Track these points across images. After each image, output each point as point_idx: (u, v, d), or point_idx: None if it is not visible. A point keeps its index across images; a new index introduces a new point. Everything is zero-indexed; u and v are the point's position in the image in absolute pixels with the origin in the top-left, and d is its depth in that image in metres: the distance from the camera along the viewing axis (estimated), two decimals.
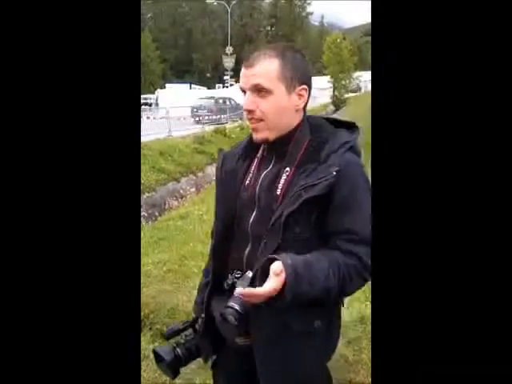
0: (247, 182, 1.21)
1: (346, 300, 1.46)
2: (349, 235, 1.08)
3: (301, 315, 1.12)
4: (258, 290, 0.99)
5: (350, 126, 1.21)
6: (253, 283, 1.07)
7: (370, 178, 1.07)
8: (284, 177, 1.13)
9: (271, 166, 1.18)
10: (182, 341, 1.27)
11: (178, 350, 1.23)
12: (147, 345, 2.52)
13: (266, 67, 1.11)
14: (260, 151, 1.23)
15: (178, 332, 1.27)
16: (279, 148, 1.16)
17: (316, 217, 1.09)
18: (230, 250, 1.22)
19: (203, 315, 1.26)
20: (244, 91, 1.15)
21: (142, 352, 2.42)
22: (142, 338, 2.56)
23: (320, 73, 37.97)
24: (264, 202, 1.15)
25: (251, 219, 1.17)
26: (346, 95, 32.02)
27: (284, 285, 0.99)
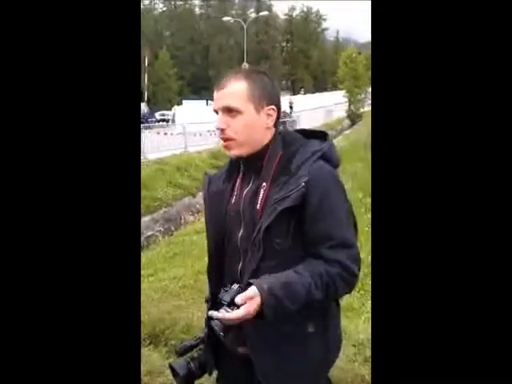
0: (233, 200, 1.26)
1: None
2: (328, 241, 1.13)
3: (291, 318, 1.15)
4: (232, 315, 1.07)
5: (322, 136, 1.27)
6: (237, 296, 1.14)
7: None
8: (262, 192, 1.19)
9: (251, 183, 1.24)
10: (196, 355, 1.30)
11: (192, 364, 1.26)
12: (162, 360, 2.51)
13: (235, 89, 1.19)
14: (240, 171, 1.29)
15: (190, 347, 1.30)
16: (255, 165, 1.23)
17: (293, 227, 1.15)
18: (223, 267, 1.28)
19: (206, 329, 1.30)
20: (217, 112, 1.21)
21: (158, 368, 2.42)
22: (157, 354, 2.56)
23: (336, 87, 38.02)
24: (248, 217, 1.21)
25: (239, 235, 1.23)
26: (362, 109, 31.96)
27: (262, 306, 1.07)
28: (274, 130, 1.24)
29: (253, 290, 1.08)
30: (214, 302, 1.25)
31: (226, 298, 1.16)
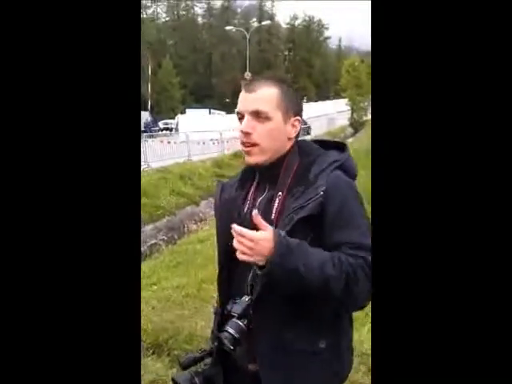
0: (245, 209, 1.24)
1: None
2: (349, 245, 1.08)
3: (303, 334, 1.13)
4: (249, 232, 1.03)
5: (340, 146, 1.25)
6: (247, 308, 1.11)
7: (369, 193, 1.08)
8: (277, 201, 1.17)
9: (266, 192, 1.22)
10: (200, 370, 1.25)
11: (196, 379, 1.21)
12: (165, 370, 2.50)
13: (267, 94, 1.16)
14: (255, 179, 1.27)
15: (194, 361, 1.25)
16: (271, 174, 1.20)
17: (312, 237, 1.11)
18: (234, 278, 1.24)
19: (215, 343, 1.25)
20: (241, 115, 1.18)
21: (161, 378, 2.41)
22: (160, 364, 2.54)
23: (338, 96, 38.08)
24: None
25: None
26: (365, 118, 31.99)
27: (273, 251, 1.02)
28: (294, 140, 1.22)
29: (270, 231, 1.04)
30: (222, 314, 1.23)
31: (237, 309, 1.13)
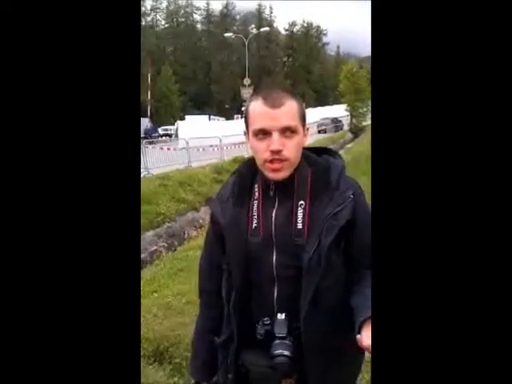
0: (254, 225, 1.17)
1: None
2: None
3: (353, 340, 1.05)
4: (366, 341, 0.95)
5: (330, 151, 1.27)
6: (290, 326, 1.09)
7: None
8: (301, 211, 1.13)
9: (278, 204, 1.17)
10: None
11: None
12: (167, 378, 2.48)
13: (291, 108, 1.12)
14: (256, 193, 1.20)
15: None
16: (284, 185, 1.15)
17: (344, 242, 1.13)
18: (251, 300, 1.18)
19: (230, 375, 1.20)
20: (265, 131, 1.11)
21: None
22: (162, 373, 2.52)
23: (337, 101, 38.26)
24: (283, 240, 1.13)
25: (274, 261, 1.14)
26: (364, 123, 32.12)
27: None
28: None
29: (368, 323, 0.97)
30: (243, 340, 1.16)
31: (280, 330, 1.08)
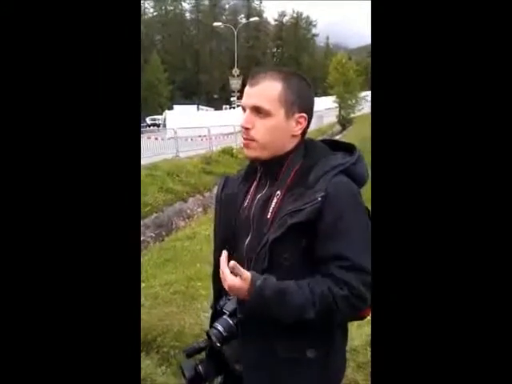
0: (245, 204, 1.21)
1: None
2: (339, 261, 1.05)
3: (288, 342, 1.10)
4: (228, 277, 1.05)
5: (349, 149, 1.19)
6: (239, 304, 1.11)
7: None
8: (275, 200, 1.13)
9: (265, 189, 1.18)
10: (205, 358, 1.26)
11: (200, 367, 1.22)
12: (155, 368, 2.49)
13: (269, 89, 1.12)
14: (258, 175, 1.23)
15: (198, 350, 1.24)
16: (272, 171, 1.16)
17: (306, 243, 1.08)
18: None
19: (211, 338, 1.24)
20: (244, 109, 1.15)
21: (150, 376, 2.40)
22: (149, 362, 2.53)
23: (326, 93, 38.23)
24: (257, 225, 1.15)
25: (246, 242, 1.17)
26: (353, 115, 32.17)
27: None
28: (300, 138, 1.17)
29: (247, 279, 1.04)
30: (215, 309, 1.22)
31: (228, 307, 1.13)
